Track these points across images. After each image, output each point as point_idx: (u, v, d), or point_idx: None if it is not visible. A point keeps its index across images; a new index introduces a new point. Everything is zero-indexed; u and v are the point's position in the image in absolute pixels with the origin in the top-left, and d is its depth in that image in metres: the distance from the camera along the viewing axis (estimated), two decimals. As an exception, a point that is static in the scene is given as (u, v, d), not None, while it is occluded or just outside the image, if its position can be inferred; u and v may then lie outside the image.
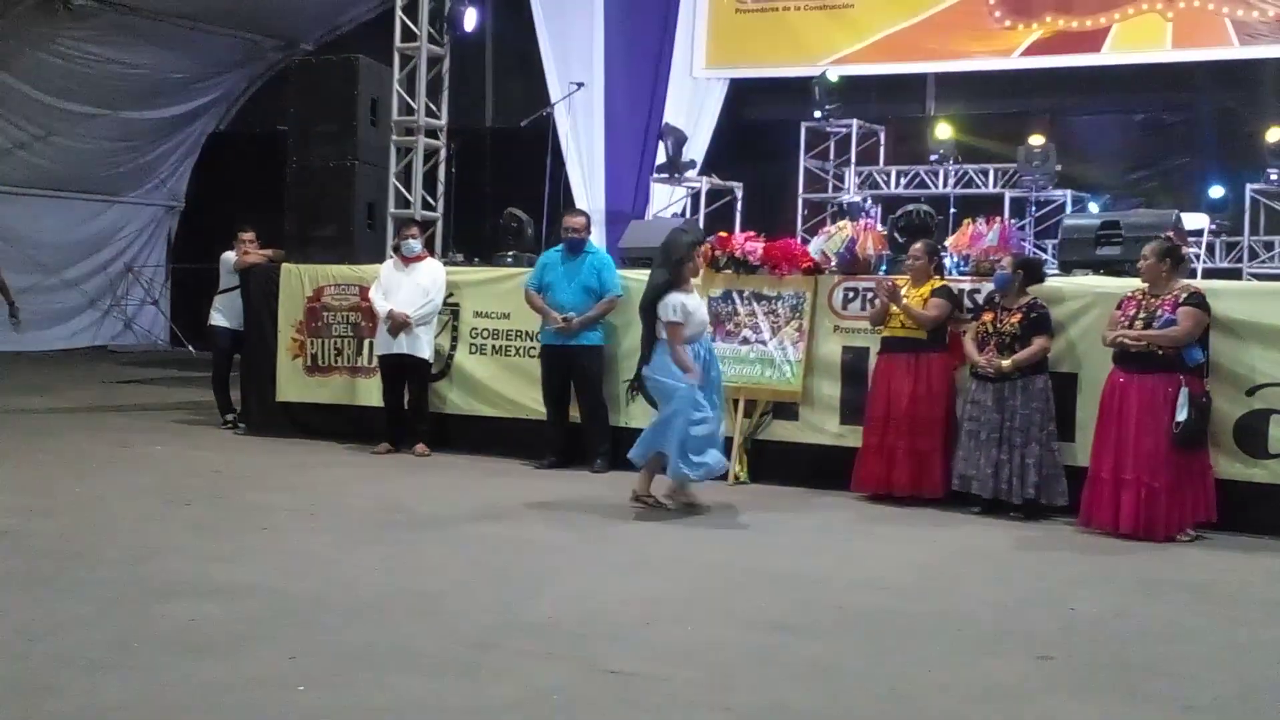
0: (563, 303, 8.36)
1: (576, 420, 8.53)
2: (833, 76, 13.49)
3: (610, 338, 8.51)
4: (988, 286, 7.40)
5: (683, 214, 13.44)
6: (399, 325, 8.74)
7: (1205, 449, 6.61)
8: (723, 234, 8.60)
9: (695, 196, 13.90)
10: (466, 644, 4.42)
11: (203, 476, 7.89)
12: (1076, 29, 12.52)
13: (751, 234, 8.42)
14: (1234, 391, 6.74)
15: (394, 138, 10.72)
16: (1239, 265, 12.19)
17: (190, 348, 16.78)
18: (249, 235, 10.20)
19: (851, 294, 7.92)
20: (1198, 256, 11.64)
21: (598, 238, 12.73)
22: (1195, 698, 4.04)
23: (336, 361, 9.56)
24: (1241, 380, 6.74)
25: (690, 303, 6.98)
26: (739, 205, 13.89)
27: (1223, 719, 3.87)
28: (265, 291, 9.84)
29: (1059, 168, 12.95)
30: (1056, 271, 7.95)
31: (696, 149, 13.72)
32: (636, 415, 8.44)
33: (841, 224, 8.47)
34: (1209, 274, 11.47)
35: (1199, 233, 11.88)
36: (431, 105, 10.93)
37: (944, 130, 13.30)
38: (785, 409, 7.96)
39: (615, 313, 8.45)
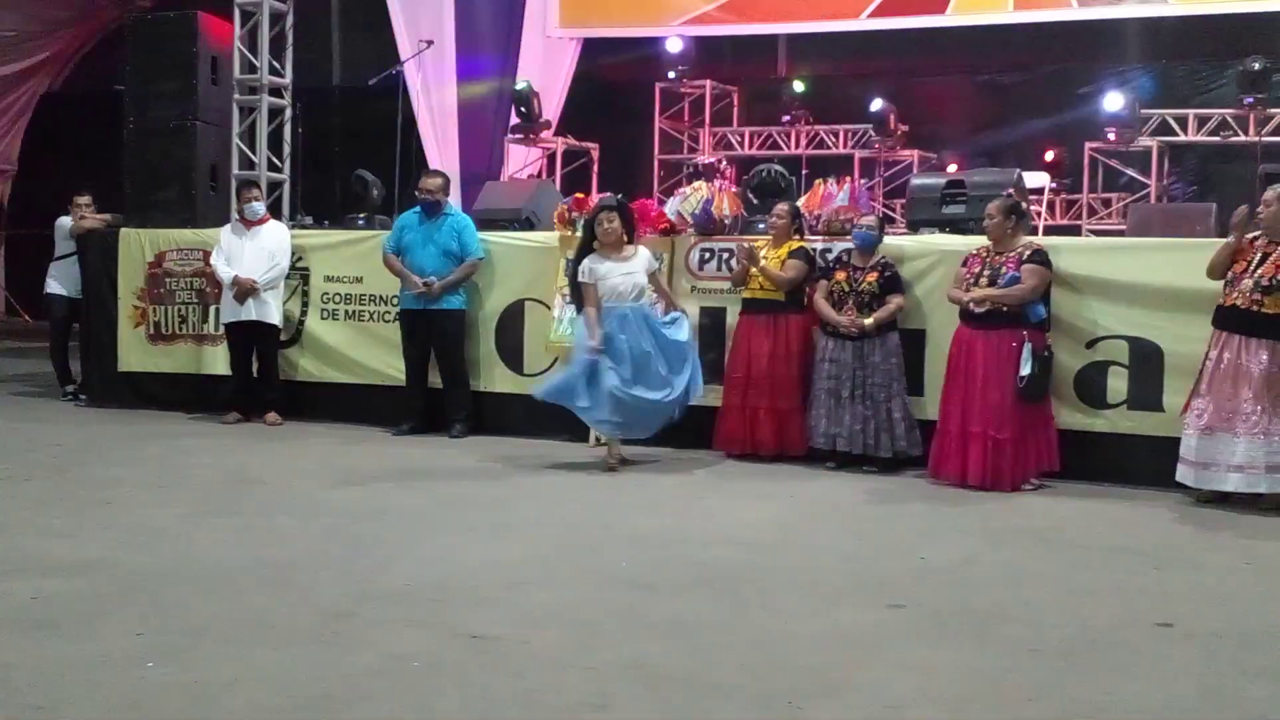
0: (422, 266, 8.22)
1: (436, 385, 8.43)
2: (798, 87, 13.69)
3: (472, 302, 8.40)
4: (839, 246, 7.52)
5: (539, 175, 13.35)
6: (246, 291, 8.51)
7: (1048, 401, 6.83)
8: (579, 195, 8.55)
9: (551, 158, 13.82)
10: (322, 614, 4.33)
11: (43, 450, 7.59)
12: (922, -10, 12.69)
13: (607, 195, 8.39)
14: (1074, 344, 6.97)
15: (236, 97, 10.39)
16: (1078, 222, 12.63)
17: (26, 317, 16.11)
18: (85, 199, 9.83)
19: (708, 255, 7.97)
20: (1039, 214, 12.02)
21: (454, 199, 12.57)
22: (1040, 641, 4.17)
23: (181, 329, 9.28)
24: (1081, 333, 6.97)
25: (601, 268, 7.15)
26: (595, 166, 13.86)
27: (1066, 661, 4.00)
28: (104, 257, 9.49)
29: (905, 128, 13.22)
30: (903, 230, 8.10)
31: (551, 109, 13.61)
32: (498, 380, 8.39)
33: (697, 185, 8.49)
34: (1049, 231, 11.86)
35: (1040, 191, 12.26)
36: (275, 63, 10.61)
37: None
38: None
39: (477, 275, 8.35)
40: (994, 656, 4.03)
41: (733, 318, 7.73)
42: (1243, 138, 12.21)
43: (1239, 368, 6.21)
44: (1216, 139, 12.45)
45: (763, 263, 7.42)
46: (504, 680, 3.74)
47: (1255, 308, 6.20)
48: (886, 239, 7.50)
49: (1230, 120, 12.31)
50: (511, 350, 8.37)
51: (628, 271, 7.18)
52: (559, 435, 7.96)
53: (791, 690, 3.70)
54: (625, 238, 7.23)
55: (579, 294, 7.28)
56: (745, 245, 7.54)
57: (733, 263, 7.78)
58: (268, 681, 3.69)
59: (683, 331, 7.32)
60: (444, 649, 4.00)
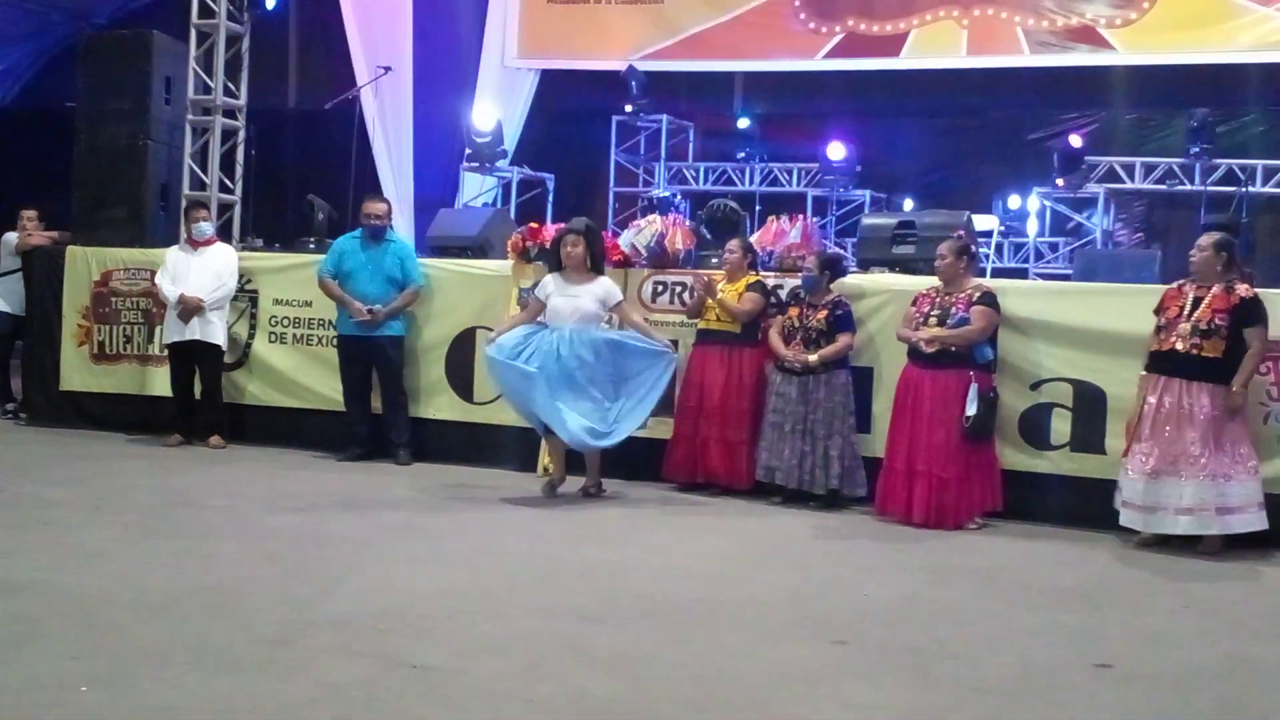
0: (365, 293, 8.16)
1: (379, 411, 8.37)
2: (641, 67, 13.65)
3: (410, 329, 8.37)
4: (791, 282, 7.57)
5: (494, 204, 13.36)
6: (192, 310, 8.41)
7: (992, 441, 6.89)
8: (533, 225, 8.55)
9: (506, 186, 13.84)
10: (261, 641, 4.27)
11: (-22, 469, 7.47)
12: (876, 33, 12.89)
13: (563, 225, 8.39)
14: (1019, 386, 7.03)
15: (190, 117, 10.32)
16: (1025, 265, 12.80)
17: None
18: (31, 215, 9.71)
19: (661, 287, 7.98)
20: (987, 256, 12.17)
21: (407, 225, 12.57)
22: (981, 679, 4.19)
23: (125, 349, 9.17)
24: (1026, 375, 7.04)
25: (550, 286, 7.25)
26: (550, 196, 13.89)
27: (1007, 699, 4.02)
28: (49, 275, 9.37)
29: (858, 168, 13.37)
30: (855, 269, 8.17)
31: (508, 139, 13.66)
32: (446, 407, 8.35)
33: (651, 218, 8.52)
34: (997, 273, 12.00)
35: (988, 233, 12.43)
36: (230, 85, 10.57)
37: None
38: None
39: (427, 301, 8.32)
40: (936, 695, 4.04)
41: (685, 350, 7.75)
42: (1188, 187, 12.45)
43: (1182, 412, 6.28)
44: (1163, 187, 12.68)
45: (720, 295, 7.46)
46: (443, 712, 3.70)
47: (1195, 351, 6.28)
48: (850, 277, 7.57)
49: (1176, 169, 12.55)
50: (461, 378, 8.33)
51: (572, 295, 7.19)
52: (507, 464, 7.93)
53: (733, 725, 3.70)
54: (589, 263, 7.23)
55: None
56: (703, 277, 7.57)
57: (685, 296, 7.82)
58: (203, 708, 3.64)
59: (642, 359, 7.15)
60: (383, 679, 3.96)
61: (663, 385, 7.19)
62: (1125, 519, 6.43)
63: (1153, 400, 6.35)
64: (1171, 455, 6.25)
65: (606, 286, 7.28)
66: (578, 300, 7.17)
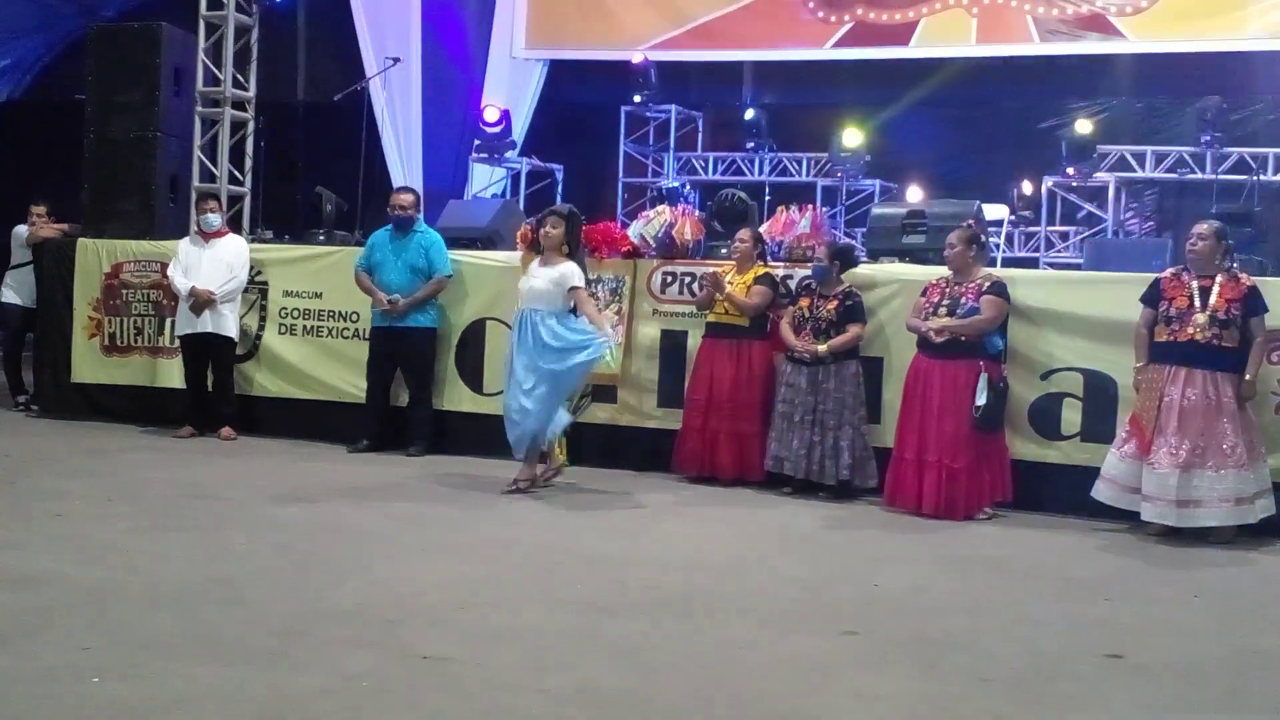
0: (389, 283, 8.18)
1: (396, 404, 8.38)
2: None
3: (441, 320, 8.37)
4: (800, 272, 7.57)
5: (503, 195, 13.37)
6: (203, 302, 8.43)
7: (1002, 431, 6.88)
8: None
9: (515, 177, 13.84)
10: (271, 632, 4.29)
11: (-10, 461, 7.49)
12: (886, 22, 12.87)
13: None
14: (1029, 376, 7.02)
15: (199, 109, 10.33)
16: (1036, 255, 12.76)
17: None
18: (41, 209, 9.74)
19: (670, 278, 7.98)
20: (997, 246, 12.13)
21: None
22: (991, 670, 4.19)
23: (136, 341, 9.19)
24: (1037, 365, 7.03)
25: (532, 267, 7.19)
26: (559, 187, 13.89)
27: (1017, 690, 4.02)
28: (60, 267, 9.40)
29: (868, 158, 13.34)
30: (865, 259, 8.16)
31: (516, 130, 13.67)
32: (457, 399, 8.36)
33: (660, 209, 8.52)
34: (1008, 263, 11.96)
35: (999, 223, 12.39)
36: (239, 76, 10.57)
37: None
38: (604, 392, 7.97)
39: (444, 294, 8.32)
40: (945, 685, 4.04)
41: (694, 340, 7.75)
42: (1200, 175, 12.39)
43: (1210, 403, 6.23)
44: (1174, 176, 12.62)
45: (729, 289, 7.45)
46: (455, 702, 3.71)
47: (1216, 342, 6.25)
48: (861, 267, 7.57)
49: (1187, 158, 12.49)
50: (471, 369, 8.34)
51: (535, 276, 7.09)
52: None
53: (744, 716, 3.70)
54: (565, 247, 7.14)
55: None
56: (711, 273, 7.57)
57: (694, 286, 7.82)
58: (214, 699, 3.65)
59: (571, 358, 6.91)
60: (395, 670, 3.97)
61: (573, 377, 7.02)
62: (1151, 513, 6.30)
63: (1175, 392, 6.28)
64: (1201, 447, 6.21)
65: (564, 270, 7.00)
66: (534, 281, 7.07)
